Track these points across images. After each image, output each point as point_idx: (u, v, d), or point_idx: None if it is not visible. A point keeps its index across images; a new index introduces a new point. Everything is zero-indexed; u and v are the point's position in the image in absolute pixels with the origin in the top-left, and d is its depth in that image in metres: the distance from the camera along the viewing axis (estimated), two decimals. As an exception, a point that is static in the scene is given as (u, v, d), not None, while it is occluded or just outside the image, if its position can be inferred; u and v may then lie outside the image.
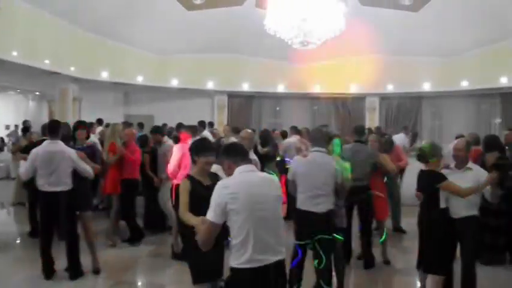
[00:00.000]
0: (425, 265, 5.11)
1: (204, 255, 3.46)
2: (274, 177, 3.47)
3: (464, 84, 14.54)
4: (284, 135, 11.28)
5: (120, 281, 6.24)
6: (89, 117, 12.47)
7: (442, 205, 5.00)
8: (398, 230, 8.73)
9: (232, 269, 3.13)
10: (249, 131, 6.15)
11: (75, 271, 6.12)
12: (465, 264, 5.01)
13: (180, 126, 10.25)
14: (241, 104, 17.90)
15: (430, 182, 5.01)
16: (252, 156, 5.26)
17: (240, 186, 3.13)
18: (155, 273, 6.51)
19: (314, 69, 15.88)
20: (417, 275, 5.70)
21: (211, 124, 13.06)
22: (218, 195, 3.12)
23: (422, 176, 5.18)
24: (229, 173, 3.36)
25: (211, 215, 3.12)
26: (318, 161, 5.11)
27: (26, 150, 7.40)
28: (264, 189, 3.20)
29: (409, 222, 9.15)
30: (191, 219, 3.58)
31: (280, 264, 3.17)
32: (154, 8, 12.83)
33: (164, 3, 12.75)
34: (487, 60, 13.69)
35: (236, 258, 3.09)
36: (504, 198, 6.22)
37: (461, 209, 4.99)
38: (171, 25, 13.65)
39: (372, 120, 16.80)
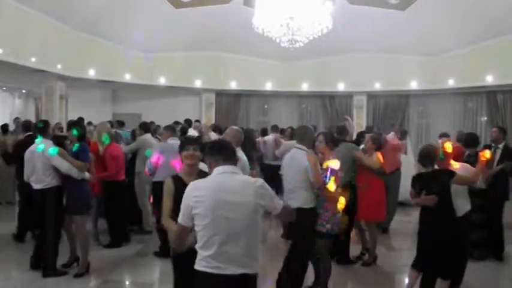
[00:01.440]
0: (443, 272, 4.98)
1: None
2: (257, 183, 3.08)
3: (451, 83, 14.62)
4: (264, 133, 11.47)
5: (108, 280, 6.25)
6: (75, 116, 12.45)
7: (459, 213, 5.04)
8: (384, 231, 8.74)
9: (195, 271, 3.02)
10: (235, 128, 5.91)
11: (44, 269, 6.17)
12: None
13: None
14: (229, 102, 17.87)
15: (445, 180, 4.90)
16: (240, 155, 5.14)
17: (208, 190, 2.98)
18: (143, 272, 6.52)
19: (302, 67, 15.91)
20: (406, 273, 5.65)
21: (197, 122, 13.06)
22: (186, 196, 3.02)
23: (428, 178, 5.06)
24: (210, 172, 3.20)
25: (179, 216, 3.04)
26: (293, 157, 5.30)
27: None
28: (236, 196, 2.97)
29: (399, 219, 9.31)
30: (172, 227, 3.34)
31: (245, 278, 2.95)
32: (142, 5, 12.77)
33: (152, 1, 12.69)
34: (473, 58, 13.77)
35: (197, 261, 3.00)
36: (483, 192, 6.42)
37: (464, 204, 5.15)
38: (158, 23, 13.60)
39: (360, 118, 16.84)
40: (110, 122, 11.31)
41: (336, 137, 6.59)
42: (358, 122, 16.43)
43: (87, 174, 6.21)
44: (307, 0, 8.94)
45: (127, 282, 6.46)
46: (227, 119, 16.89)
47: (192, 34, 14.30)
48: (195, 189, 3.01)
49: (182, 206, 3.03)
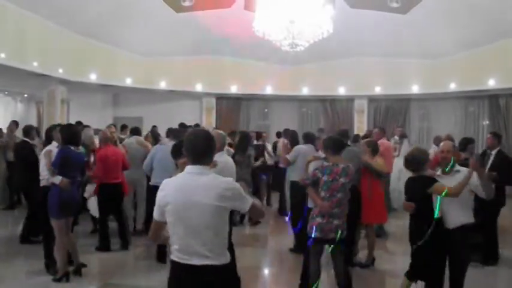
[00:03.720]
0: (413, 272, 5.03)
1: None
2: (223, 186, 3.11)
3: (452, 86, 14.60)
4: (258, 136, 11.56)
5: (107, 284, 6.24)
6: (77, 120, 12.43)
7: (437, 215, 4.84)
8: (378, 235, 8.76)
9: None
10: (219, 131, 5.90)
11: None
12: (454, 279, 4.90)
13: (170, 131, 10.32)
14: (230, 106, 17.88)
15: (420, 188, 4.83)
16: (221, 158, 5.03)
17: (173, 189, 3.13)
18: (142, 276, 6.51)
19: (302, 71, 15.92)
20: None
21: (196, 126, 13.05)
22: (158, 193, 3.20)
23: (410, 183, 5.02)
24: (182, 169, 3.34)
25: (154, 212, 3.22)
26: None
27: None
28: (197, 197, 3.05)
29: (397, 224, 9.30)
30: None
31: (210, 268, 3.06)
32: (143, 10, 12.80)
33: (152, 6, 12.71)
34: (475, 62, 13.75)
35: (171, 251, 3.19)
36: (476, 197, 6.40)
37: (459, 216, 4.87)
38: (159, 27, 13.64)
39: (361, 122, 16.85)
40: (113, 125, 11.38)
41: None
42: (359, 125, 16.45)
43: (57, 178, 6.08)
44: (308, 4, 8.96)
45: (127, 286, 6.45)
46: (228, 123, 16.91)
47: (192, 38, 14.33)
48: (163, 188, 3.18)
49: (156, 202, 3.19)
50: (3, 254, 7.44)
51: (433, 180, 4.80)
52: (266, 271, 7.46)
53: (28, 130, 8.46)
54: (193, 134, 3.29)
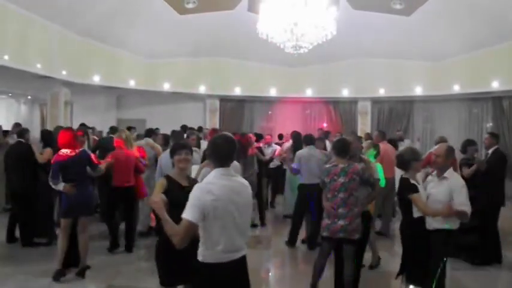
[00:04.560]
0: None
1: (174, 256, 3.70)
2: (245, 181, 3.45)
3: (456, 88, 14.56)
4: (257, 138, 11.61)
5: (110, 285, 6.24)
6: (80, 122, 12.46)
7: (415, 214, 4.96)
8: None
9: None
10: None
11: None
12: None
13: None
14: (233, 108, 17.90)
15: (403, 190, 4.98)
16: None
17: (223, 192, 3.21)
18: (146, 277, 6.48)
19: (306, 73, 15.92)
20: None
21: (200, 129, 13.04)
22: (198, 197, 3.16)
23: (399, 182, 5.16)
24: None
25: (189, 214, 3.15)
26: None
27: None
28: (243, 196, 3.36)
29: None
30: (172, 224, 3.34)
31: (245, 257, 3.39)
32: (146, 12, 12.82)
33: (156, 8, 12.73)
34: (478, 64, 13.71)
35: (207, 255, 3.27)
36: (473, 199, 6.45)
37: (432, 220, 4.87)
38: (163, 29, 13.66)
39: (364, 124, 16.85)
40: (130, 127, 11.44)
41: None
42: (363, 127, 16.43)
43: (60, 185, 6.24)
44: (311, 6, 8.94)
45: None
46: (231, 125, 16.92)
47: (196, 40, 14.34)
48: (210, 191, 3.17)
49: (193, 205, 3.14)
50: (3, 256, 7.44)
51: (413, 189, 4.88)
52: (269, 273, 7.44)
53: (22, 133, 8.44)
54: (222, 139, 3.39)
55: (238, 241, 3.27)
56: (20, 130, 8.64)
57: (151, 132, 9.86)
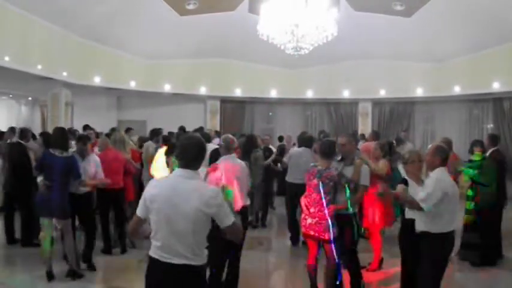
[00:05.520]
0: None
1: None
2: (209, 193, 3.25)
3: (457, 90, 14.54)
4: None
5: (112, 287, 6.23)
6: (81, 123, 12.47)
7: (408, 215, 5.03)
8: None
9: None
10: (230, 136, 6.06)
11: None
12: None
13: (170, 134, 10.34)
14: (234, 109, 17.90)
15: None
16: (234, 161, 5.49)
17: (163, 190, 3.27)
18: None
19: (307, 74, 15.92)
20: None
21: (201, 129, 13.03)
22: (146, 191, 3.35)
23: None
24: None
25: (137, 208, 3.36)
26: None
27: None
28: (184, 200, 3.18)
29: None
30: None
31: (187, 267, 3.21)
32: (147, 13, 12.81)
33: (157, 9, 12.72)
34: (479, 65, 13.71)
35: (151, 248, 3.32)
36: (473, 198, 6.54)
37: (418, 222, 4.77)
38: (163, 30, 13.65)
39: (365, 125, 16.84)
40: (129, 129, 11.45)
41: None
42: (364, 129, 16.41)
43: (40, 180, 6.45)
44: (312, 7, 8.93)
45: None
46: (232, 126, 16.92)
47: (197, 41, 14.34)
48: (153, 186, 3.36)
49: (141, 199, 3.34)
50: (4, 257, 7.44)
51: (404, 182, 4.88)
52: (270, 274, 7.44)
53: (24, 133, 8.44)
54: (187, 139, 3.44)
55: (176, 246, 3.18)
56: (21, 130, 8.65)
57: (155, 134, 9.79)
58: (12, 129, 11.32)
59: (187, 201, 3.16)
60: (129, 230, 3.50)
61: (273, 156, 10.69)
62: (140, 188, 8.18)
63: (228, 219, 3.28)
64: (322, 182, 5.39)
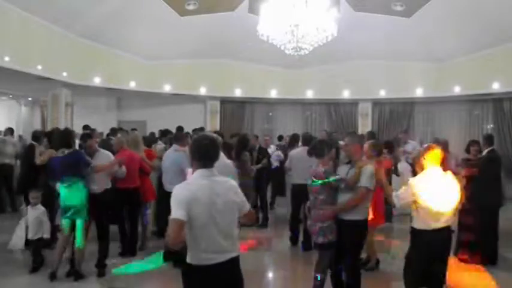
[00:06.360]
0: None
1: None
2: (232, 182, 3.48)
3: (457, 90, 14.54)
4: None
5: (113, 287, 6.24)
6: (81, 123, 12.46)
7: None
8: None
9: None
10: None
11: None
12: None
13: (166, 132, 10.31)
14: (234, 110, 17.89)
15: None
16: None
17: (202, 192, 3.26)
18: (147, 280, 6.50)
19: (306, 74, 15.91)
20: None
21: (201, 129, 13.03)
22: (180, 195, 3.25)
23: None
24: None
25: (176, 212, 3.18)
26: None
27: None
28: (226, 196, 3.32)
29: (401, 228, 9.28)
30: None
31: (234, 259, 3.36)
32: (147, 13, 12.80)
33: (157, 9, 12.71)
34: (479, 65, 13.70)
35: (191, 256, 3.32)
36: (470, 197, 6.59)
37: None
38: (163, 30, 13.64)
39: (365, 125, 16.81)
40: (121, 128, 11.42)
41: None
42: (363, 129, 16.39)
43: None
44: (312, 8, 8.93)
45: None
46: (232, 126, 16.91)
47: (196, 41, 14.33)
48: (189, 189, 3.25)
49: (175, 204, 3.19)
50: (5, 258, 7.44)
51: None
52: (270, 274, 7.44)
53: (38, 135, 8.52)
54: (207, 139, 3.43)
55: (222, 242, 3.25)
56: (34, 132, 8.79)
57: (164, 135, 9.74)
58: (10, 130, 11.42)
59: (225, 197, 3.29)
60: (173, 239, 3.14)
61: (264, 160, 10.50)
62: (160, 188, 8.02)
63: (247, 205, 3.51)
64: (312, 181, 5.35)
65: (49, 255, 6.77)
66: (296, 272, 7.39)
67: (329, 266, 5.47)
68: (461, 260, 7.40)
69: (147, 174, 8.05)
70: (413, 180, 4.77)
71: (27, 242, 7.29)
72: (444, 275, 4.80)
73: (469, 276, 6.90)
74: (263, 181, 10.50)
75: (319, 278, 5.39)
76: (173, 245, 3.16)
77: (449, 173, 4.90)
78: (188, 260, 3.29)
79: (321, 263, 5.42)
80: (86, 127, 11.63)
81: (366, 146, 6.31)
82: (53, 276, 6.24)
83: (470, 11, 11.91)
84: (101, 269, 6.65)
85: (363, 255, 7.03)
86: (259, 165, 10.08)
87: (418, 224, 4.74)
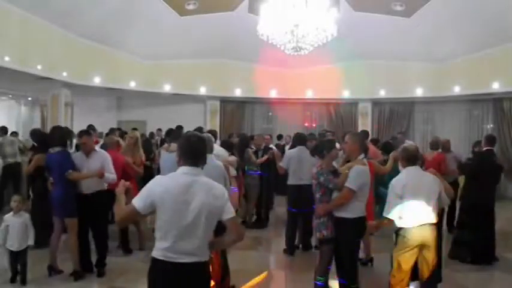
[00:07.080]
0: None
1: None
2: (214, 185, 3.32)
3: (457, 90, 14.55)
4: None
5: (113, 287, 6.23)
6: (81, 123, 12.45)
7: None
8: None
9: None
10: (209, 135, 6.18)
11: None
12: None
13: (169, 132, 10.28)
14: (234, 110, 17.88)
15: None
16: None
17: (172, 188, 3.20)
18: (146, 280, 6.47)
19: (306, 74, 15.91)
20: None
21: (200, 129, 13.02)
22: (150, 188, 3.21)
23: None
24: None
25: (137, 201, 3.18)
26: None
27: None
28: (197, 197, 3.18)
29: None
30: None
31: (196, 264, 3.19)
32: (147, 13, 12.81)
33: (156, 9, 12.72)
34: (479, 65, 13.71)
35: (155, 250, 3.25)
36: (465, 197, 6.62)
37: None
38: (163, 30, 13.65)
39: (365, 125, 16.80)
40: (115, 128, 11.39)
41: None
42: (363, 129, 16.39)
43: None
44: (312, 8, 8.92)
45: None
46: (232, 126, 16.93)
47: (196, 41, 14.33)
48: (160, 184, 3.21)
49: (142, 194, 3.18)
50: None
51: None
52: (269, 274, 7.43)
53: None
54: (194, 137, 3.40)
55: (185, 244, 3.15)
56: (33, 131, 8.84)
57: (169, 135, 9.68)
58: (2, 128, 11.41)
59: (199, 198, 3.16)
60: (120, 217, 3.24)
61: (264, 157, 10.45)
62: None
63: (232, 213, 3.28)
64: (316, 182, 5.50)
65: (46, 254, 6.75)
66: (296, 272, 7.38)
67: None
68: (455, 259, 7.44)
69: (132, 177, 7.92)
70: (393, 181, 4.99)
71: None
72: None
73: (470, 276, 6.90)
74: (270, 181, 10.55)
75: (318, 284, 5.47)
76: (118, 223, 3.27)
77: (430, 172, 5.17)
78: (153, 252, 3.23)
79: (321, 263, 5.47)
80: (90, 127, 11.62)
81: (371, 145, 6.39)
82: (56, 271, 6.39)
83: (470, 11, 11.91)
84: (101, 268, 6.68)
85: (362, 256, 7.06)
86: (264, 158, 10.13)
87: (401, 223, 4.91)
